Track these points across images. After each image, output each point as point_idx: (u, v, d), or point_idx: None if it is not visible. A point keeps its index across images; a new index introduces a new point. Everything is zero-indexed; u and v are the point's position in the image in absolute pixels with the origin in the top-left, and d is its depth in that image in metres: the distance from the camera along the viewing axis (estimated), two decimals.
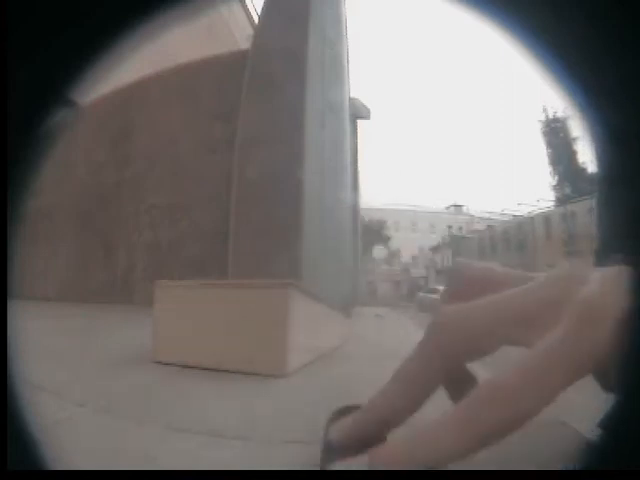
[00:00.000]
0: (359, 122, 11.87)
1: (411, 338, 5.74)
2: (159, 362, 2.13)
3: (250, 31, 10.07)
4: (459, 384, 0.34)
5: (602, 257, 0.43)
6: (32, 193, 0.32)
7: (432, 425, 0.28)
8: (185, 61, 7.30)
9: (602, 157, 0.34)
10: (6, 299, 0.30)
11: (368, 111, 12.13)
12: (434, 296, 16.05)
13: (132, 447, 0.87)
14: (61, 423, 0.98)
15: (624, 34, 0.28)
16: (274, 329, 2.00)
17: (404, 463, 0.27)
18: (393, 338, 4.90)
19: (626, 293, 0.28)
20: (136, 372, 1.94)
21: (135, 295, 7.15)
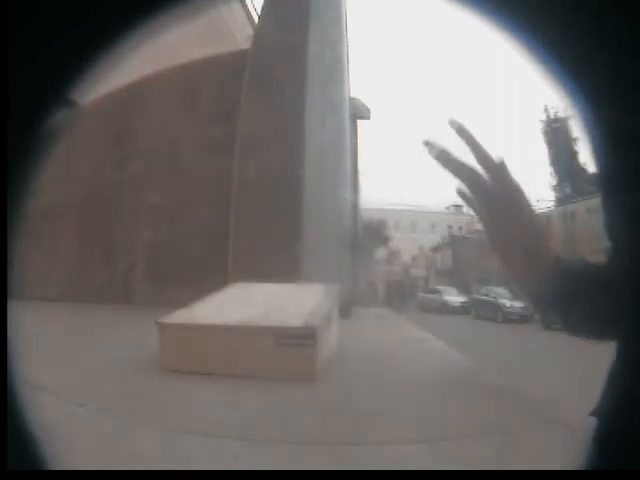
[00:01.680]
0: (359, 122, 11.86)
1: (411, 337, 5.74)
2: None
3: (250, 31, 10.07)
4: None
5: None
6: (32, 193, 0.32)
7: None
8: (185, 61, 7.29)
9: (601, 157, 0.34)
10: (6, 299, 0.30)
11: (368, 111, 12.12)
12: (434, 296, 16.03)
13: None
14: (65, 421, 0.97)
15: (622, 35, 0.28)
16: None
17: None
18: (394, 338, 4.90)
19: None
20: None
21: (135, 295, 7.15)
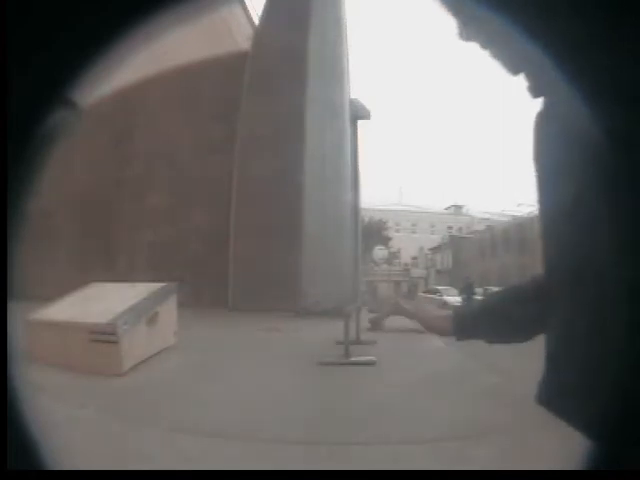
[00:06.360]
0: (359, 123, 11.87)
1: (410, 336, 5.74)
2: None
3: (250, 32, 10.07)
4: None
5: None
6: (32, 193, 0.32)
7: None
8: (185, 62, 7.29)
9: (600, 157, 0.34)
10: (6, 299, 0.30)
11: (368, 112, 12.12)
12: (434, 296, 16.08)
13: None
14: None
15: (623, 36, 0.28)
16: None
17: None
18: (393, 335, 4.91)
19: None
20: None
21: None
